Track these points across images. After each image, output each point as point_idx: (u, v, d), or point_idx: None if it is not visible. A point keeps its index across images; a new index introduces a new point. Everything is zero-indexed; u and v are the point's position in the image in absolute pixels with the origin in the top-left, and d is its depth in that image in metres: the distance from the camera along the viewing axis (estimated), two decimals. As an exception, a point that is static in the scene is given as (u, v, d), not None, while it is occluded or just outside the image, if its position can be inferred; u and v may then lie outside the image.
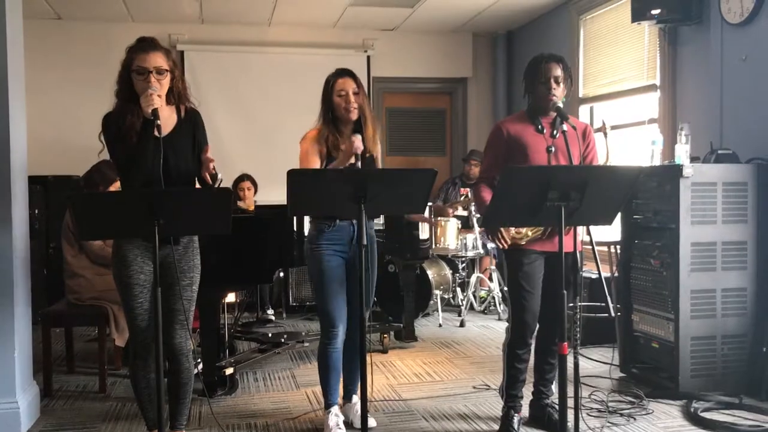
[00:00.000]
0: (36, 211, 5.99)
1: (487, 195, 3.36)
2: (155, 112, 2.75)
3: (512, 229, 3.29)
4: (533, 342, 3.40)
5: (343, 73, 3.37)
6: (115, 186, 4.29)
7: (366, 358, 2.85)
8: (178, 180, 2.91)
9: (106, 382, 4.16)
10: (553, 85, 3.27)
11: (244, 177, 6.43)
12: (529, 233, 3.29)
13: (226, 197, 2.71)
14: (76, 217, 2.60)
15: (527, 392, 3.59)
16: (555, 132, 3.31)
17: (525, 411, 3.55)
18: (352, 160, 3.17)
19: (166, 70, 2.87)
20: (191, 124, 3.00)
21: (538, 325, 3.44)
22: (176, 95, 2.97)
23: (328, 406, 3.41)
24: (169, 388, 3.05)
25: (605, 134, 3.42)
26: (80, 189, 4.28)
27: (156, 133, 2.77)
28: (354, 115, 3.30)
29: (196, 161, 2.97)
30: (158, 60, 2.86)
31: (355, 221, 3.28)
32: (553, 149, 3.29)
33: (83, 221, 2.62)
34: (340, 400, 3.51)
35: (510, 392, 3.44)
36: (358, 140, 3.16)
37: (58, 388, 4.19)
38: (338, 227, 3.31)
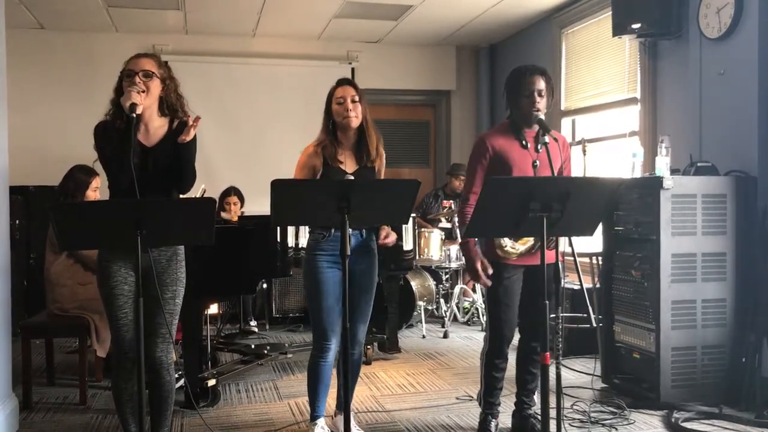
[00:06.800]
0: (17, 222, 5.93)
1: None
2: (133, 106, 2.74)
3: (507, 245, 3.28)
4: (509, 351, 3.42)
5: (343, 81, 3.37)
6: (92, 187, 4.27)
7: (348, 370, 2.84)
8: (160, 190, 2.90)
9: (87, 393, 4.13)
10: (537, 98, 3.25)
11: (231, 191, 6.26)
12: (521, 249, 3.27)
13: (210, 208, 2.70)
14: (57, 227, 2.57)
15: (510, 403, 3.60)
16: (538, 147, 3.30)
17: (505, 420, 3.57)
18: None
19: (153, 74, 2.88)
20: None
21: (519, 336, 3.47)
22: (169, 107, 2.97)
23: (314, 418, 3.38)
24: (150, 401, 3.03)
25: (584, 152, 3.43)
26: (57, 198, 4.24)
27: (136, 132, 2.78)
28: (353, 122, 3.28)
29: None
30: (147, 64, 2.89)
31: (354, 231, 3.29)
32: (537, 164, 3.30)
33: (64, 232, 2.61)
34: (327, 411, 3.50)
35: (488, 399, 3.47)
36: (391, 237, 3.41)
37: (38, 400, 4.14)
38: (333, 238, 3.24)
